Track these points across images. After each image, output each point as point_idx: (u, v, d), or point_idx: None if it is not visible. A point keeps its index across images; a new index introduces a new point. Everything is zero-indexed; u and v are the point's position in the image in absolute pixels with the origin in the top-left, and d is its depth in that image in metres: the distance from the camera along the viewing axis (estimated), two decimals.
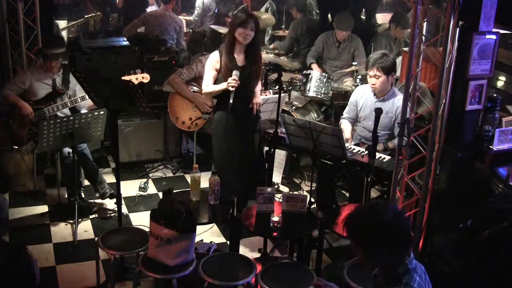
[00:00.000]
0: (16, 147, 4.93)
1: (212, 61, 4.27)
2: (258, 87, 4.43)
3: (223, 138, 4.37)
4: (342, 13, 6.52)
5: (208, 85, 4.29)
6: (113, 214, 4.79)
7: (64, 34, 7.44)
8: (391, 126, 4.44)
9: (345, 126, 4.68)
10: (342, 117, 4.81)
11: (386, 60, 4.33)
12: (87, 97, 4.41)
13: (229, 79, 4.09)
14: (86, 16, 7.54)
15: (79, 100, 4.72)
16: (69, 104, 4.75)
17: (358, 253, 2.26)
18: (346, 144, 4.33)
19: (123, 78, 4.37)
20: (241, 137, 4.37)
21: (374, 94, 4.50)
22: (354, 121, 4.74)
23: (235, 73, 4.09)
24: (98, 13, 7.57)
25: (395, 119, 4.37)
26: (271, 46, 7.58)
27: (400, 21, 6.41)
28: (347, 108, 4.78)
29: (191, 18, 8.45)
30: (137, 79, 4.48)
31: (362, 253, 2.23)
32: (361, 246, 2.21)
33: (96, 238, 4.14)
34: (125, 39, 6.18)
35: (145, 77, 4.57)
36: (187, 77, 5.21)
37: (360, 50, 6.35)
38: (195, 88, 5.20)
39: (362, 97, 4.62)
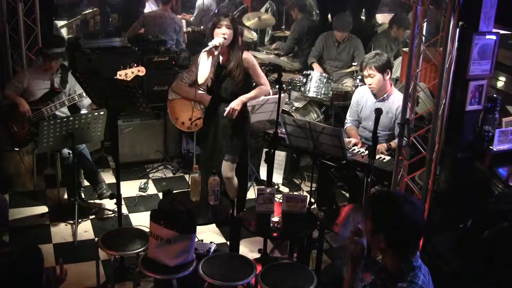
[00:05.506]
0: (17, 149, 4.93)
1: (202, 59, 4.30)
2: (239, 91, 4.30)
3: (202, 136, 4.50)
4: (341, 14, 6.53)
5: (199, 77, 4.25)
6: (113, 215, 4.79)
7: (63, 32, 7.42)
8: (391, 126, 4.44)
9: (351, 130, 4.67)
10: (346, 122, 4.79)
11: (378, 59, 4.35)
12: (84, 94, 4.40)
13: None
14: (83, 13, 7.47)
15: (77, 98, 4.71)
16: (66, 103, 4.74)
17: (365, 229, 2.34)
18: (354, 147, 4.34)
19: (118, 72, 4.35)
20: (214, 138, 4.40)
21: (374, 95, 4.51)
22: (358, 123, 4.73)
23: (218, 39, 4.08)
24: (96, 9, 7.52)
25: (395, 119, 4.37)
26: (273, 46, 7.57)
27: (403, 22, 6.43)
28: (349, 111, 4.76)
29: (191, 18, 8.47)
30: (132, 72, 4.44)
31: (368, 229, 2.29)
32: (371, 221, 2.27)
33: (96, 239, 4.15)
34: (125, 39, 6.17)
35: (140, 70, 4.51)
36: (189, 80, 5.20)
37: (360, 51, 6.34)
38: (201, 92, 5.18)
39: (363, 97, 4.62)
